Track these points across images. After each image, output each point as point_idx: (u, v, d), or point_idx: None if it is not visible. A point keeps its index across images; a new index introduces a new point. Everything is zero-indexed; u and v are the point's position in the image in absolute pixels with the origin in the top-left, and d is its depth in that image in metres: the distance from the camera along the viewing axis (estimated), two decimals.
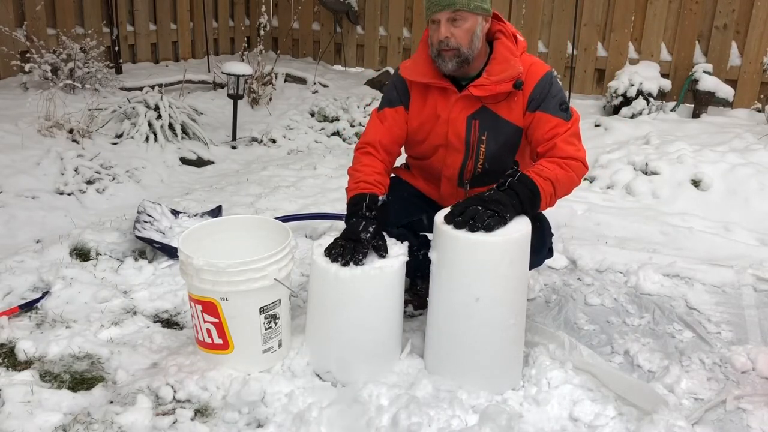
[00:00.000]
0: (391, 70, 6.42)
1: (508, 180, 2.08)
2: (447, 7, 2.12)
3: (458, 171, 2.35)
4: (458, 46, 2.15)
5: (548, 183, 2.09)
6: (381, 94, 2.44)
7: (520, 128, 2.27)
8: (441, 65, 2.21)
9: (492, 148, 2.28)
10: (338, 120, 5.39)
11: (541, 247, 2.31)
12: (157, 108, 4.54)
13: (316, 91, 6.11)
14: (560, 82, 2.47)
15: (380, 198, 2.22)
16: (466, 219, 1.97)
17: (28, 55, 4.94)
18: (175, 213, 3.34)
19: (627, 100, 5.26)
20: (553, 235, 2.41)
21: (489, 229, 1.96)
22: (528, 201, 2.05)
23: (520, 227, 2.03)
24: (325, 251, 2.10)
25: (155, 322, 2.52)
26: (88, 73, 5.09)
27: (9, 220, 3.27)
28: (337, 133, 5.30)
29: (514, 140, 2.30)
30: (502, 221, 1.99)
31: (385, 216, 2.23)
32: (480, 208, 1.98)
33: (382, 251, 2.10)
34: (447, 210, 2.07)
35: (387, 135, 2.34)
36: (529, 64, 2.23)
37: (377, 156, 2.32)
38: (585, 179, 4.09)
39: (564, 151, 2.15)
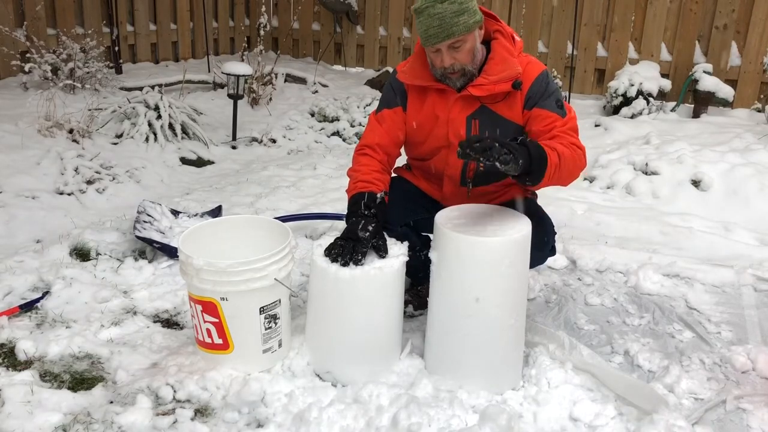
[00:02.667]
0: (391, 70, 6.41)
1: (520, 138, 2.06)
2: (446, 39, 2.10)
3: (460, 170, 2.35)
4: (463, 67, 2.17)
5: (555, 154, 2.03)
6: (381, 94, 2.44)
7: (521, 126, 2.27)
8: (449, 84, 2.22)
9: None
10: (338, 120, 5.40)
11: (543, 245, 2.31)
12: (157, 108, 4.54)
13: (316, 91, 6.11)
14: (558, 81, 2.46)
15: (379, 195, 2.22)
16: (484, 147, 1.86)
17: (28, 55, 4.95)
18: (175, 213, 3.34)
19: (627, 100, 5.26)
20: (555, 233, 2.41)
21: (503, 162, 1.85)
22: (537, 160, 1.97)
23: (520, 227, 2.03)
24: (324, 251, 2.10)
25: (155, 322, 2.52)
26: (88, 73, 5.09)
27: (9, 220, 3.27)
28: (337, 133, 5.30)
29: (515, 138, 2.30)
30: (515, 162, 1.88)
31: (384, 212, 2.22)
32: (496, 144, 1.87)
33: (382, 251, 2.10)
34: (447, 210, 2.06)
35: (386, 136, 2.34)
36: (525, 64, 2.24)
37: (375, 157, 2.32)
38: (585, 179, 4.09)
39: (565, 139, 2.15)
